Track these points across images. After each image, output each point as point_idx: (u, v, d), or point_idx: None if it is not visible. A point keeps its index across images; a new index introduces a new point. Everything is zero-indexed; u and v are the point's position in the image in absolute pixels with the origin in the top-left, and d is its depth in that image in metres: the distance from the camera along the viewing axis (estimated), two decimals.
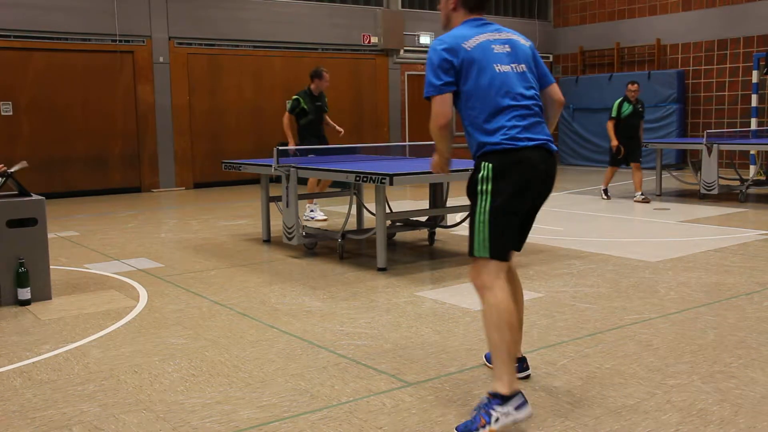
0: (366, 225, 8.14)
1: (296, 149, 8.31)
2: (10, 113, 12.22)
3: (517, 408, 3.00)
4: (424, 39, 16.47)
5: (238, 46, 14.33)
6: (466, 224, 4.69)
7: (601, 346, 4.09)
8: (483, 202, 3.15)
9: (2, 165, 5.46)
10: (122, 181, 13.33)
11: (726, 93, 15.95)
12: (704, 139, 10.47)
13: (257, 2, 14.45)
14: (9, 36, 12.14)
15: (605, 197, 10.91)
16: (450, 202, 7.56)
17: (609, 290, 5.37)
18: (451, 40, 3.23)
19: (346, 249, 6.94)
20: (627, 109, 10.58)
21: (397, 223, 7.44)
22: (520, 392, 3.04)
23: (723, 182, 10.78)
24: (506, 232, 3.16)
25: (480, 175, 3.17)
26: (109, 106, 13.12)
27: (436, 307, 5.00)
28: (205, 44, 14.00)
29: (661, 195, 11.15)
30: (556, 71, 19.01)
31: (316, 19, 15.12)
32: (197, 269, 6.45)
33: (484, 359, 3.82)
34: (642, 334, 4.28)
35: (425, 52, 16.74)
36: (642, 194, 10.54)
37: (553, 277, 5.81)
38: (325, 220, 9.24)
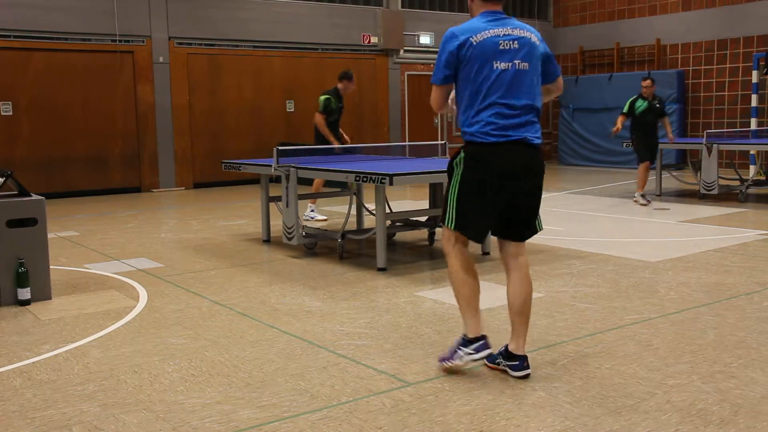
0: (366, 225, 8.14)
1: (324, 148, 8.33)
2: (10, 113, 12.22)
3: (477, 349, 3.59)
4: (424, 39, 16.47)
5: (238, 46, 14.33)
6: None
7: (601, 346, 4.09)
8: (455, 183, 3.63)
9: None
10: (122, 181, 13.33)
11: (726, 93, 15.95)
12: (704, 139, 10.46)
13: (257, 2, 14.45)
14: (9, 36, 12.14)
15: (644, 202, 10.10)
16: None
17: (609, 290, 5.37)
18: (462, 32, 3.50)
19: (346, 249, 6.94)
20: (641, 105, 10.13)
21: (397, 223, 7.44)
22: (484, 337, 3.62)
23: (723, 182, 10.78)
24: (471, 212, 3.59)
25: (456, 159, 3.63)
26: (109, 106, 13.12)
27: (436, 307, 5.00)
28: (205, 44, 14.00)
29: (661, 195, 11.15)
30: None
31: (315, 19, 15.12)
32: (197, 269, 6.45)
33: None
34: (642, 334, 4.28)
35: (425, 52, 16.80)
36: (643, 195, 10.21)
37: (553, 277, 5.81)
38: (324, 220, 9.24)
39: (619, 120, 10.32)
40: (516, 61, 3.48)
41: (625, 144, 11.21)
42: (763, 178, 12.35)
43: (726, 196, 10.79)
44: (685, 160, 15.24)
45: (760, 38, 15.19)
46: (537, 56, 3.57)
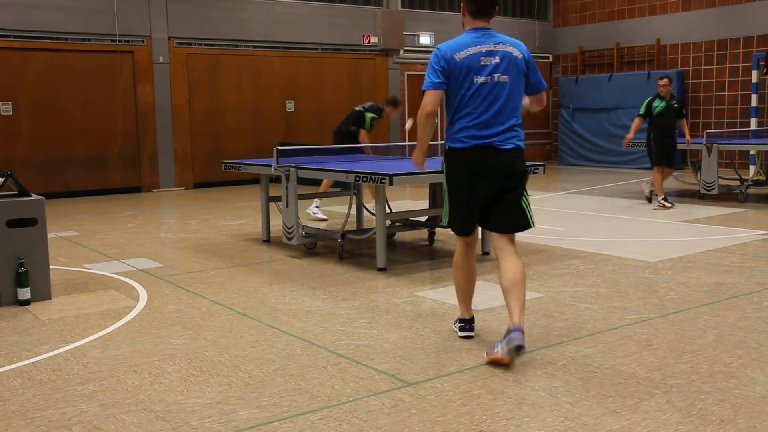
0: (366, 225, 8.14)
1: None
2: (10, 113, 12.23)
3: (461, 329, 4.23)
4: (424, 39, 16.47)
5: (237, 46, 14.33)
6: None
7: (601, 346, 4.09)
8: (444, 185, 4.12)
9: None
10: (122, 181, 13.33)
11: (726, 93, 15.96)
12: (704, 139, 10.46)
13: (257, 2, 14.45)
14: (9, 36, 12.15)
15: (669, 204, 9.66)
16: None
17: (609, 290, 5.37)
18: (448, 49, 3.92)
19: (346, 249, 6.94)
20: (659, 106, 9.77)
21: (397, 223, 7.44)
22: (471, 321, 4.22)
23: (723, 182, 10.78)
24: (458, 209, 4.05)
25: (443, 163, 4.09)
26: (109, 106, 13.12)
27: (435, 307, 5.00)
28: (205, 44, 14.00)
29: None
30: (556, 71, 19.02)
31: (315, 18, 15.12)
32: (197, 269, 6.45)
33: (485, 355, 3.85)
34: (641, 334, 4.28)
35: (425, 52, 16.82)
36: (665, 198, 9.79)
37: (553, 277, 5.81)
38: (324, 220, 9.24)
39: (634, 125, 9.97)
40: (496, 75, 3.89)
41: (636, 144, 10.83)
42: (763, 178, 12.35)
43: (726, 196, 10.80)
44: (685, 160, 15.24)
45: (760, 38, 15.20)
46: (518, 69, 3.94)
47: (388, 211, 6.79)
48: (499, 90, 3.89)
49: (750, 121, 14.29)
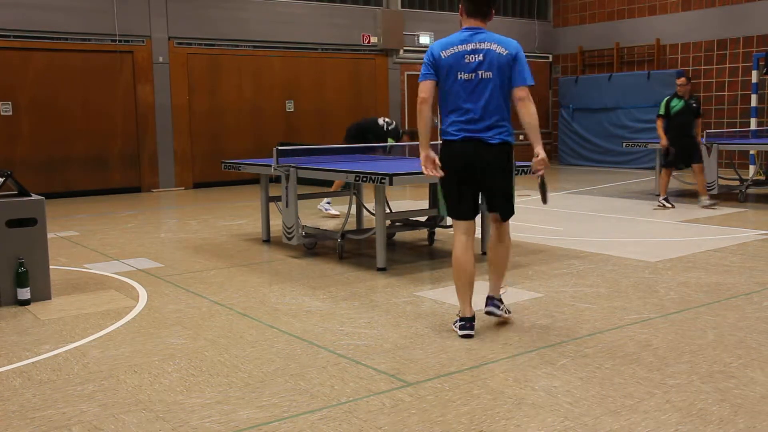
0: (366, 225, 8.14)
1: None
2: (10, 113, 12.23)
3: (461, 328, 4.26)
4: (424, 39, 16.46)
5: (237, 46, 14.33)
6: None
7: (601, 346, 4.09)
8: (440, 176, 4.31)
9: None
10: (122, 181, 13.33)
11: (726, 93, 15.95)
12: (704, 139, 10.45)
13: (257, 2, 14.45)
14: (9, 36, 12.14)
15: (668, 205, 9.70)
16: None
17: (608, 290, 5.37)
18: (437, 47, 4.21)
19: (345, 249, 6.94)
20: (677, 105, 9.65)
21: (397, 223, 7.44)
22: (471, 319, 4.26)
23: (723, 182, 10.78)
24: (452, 198, 4.30)
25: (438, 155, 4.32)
26: (109, 106, 13.12)
27: (435, 307, 5.00)
28: (205, 44, 14.00)
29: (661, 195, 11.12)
30: (556, 71, 19.02)
31: (315, 18, 15.12)
32: (197, 269, 6.45)
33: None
34: (641, 334, 4.28)
35: (425, 52, 16.75)
36: (708, 199, 9.69)
37: (553, 277, 5.81)
38: (337, 216, 9.22)
39: (659, 127, 9.77)
40: (480, 72, 4.11)
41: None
42: (762, 178, 12.35)
43: (726, 196, 10.79)
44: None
45: (760, 38, 15.19)
46: (502, 65, 4.12)
47: (387, 211, 6.79)
48: (483, 86, 4.13)
49: (750, 121, 14.29)
